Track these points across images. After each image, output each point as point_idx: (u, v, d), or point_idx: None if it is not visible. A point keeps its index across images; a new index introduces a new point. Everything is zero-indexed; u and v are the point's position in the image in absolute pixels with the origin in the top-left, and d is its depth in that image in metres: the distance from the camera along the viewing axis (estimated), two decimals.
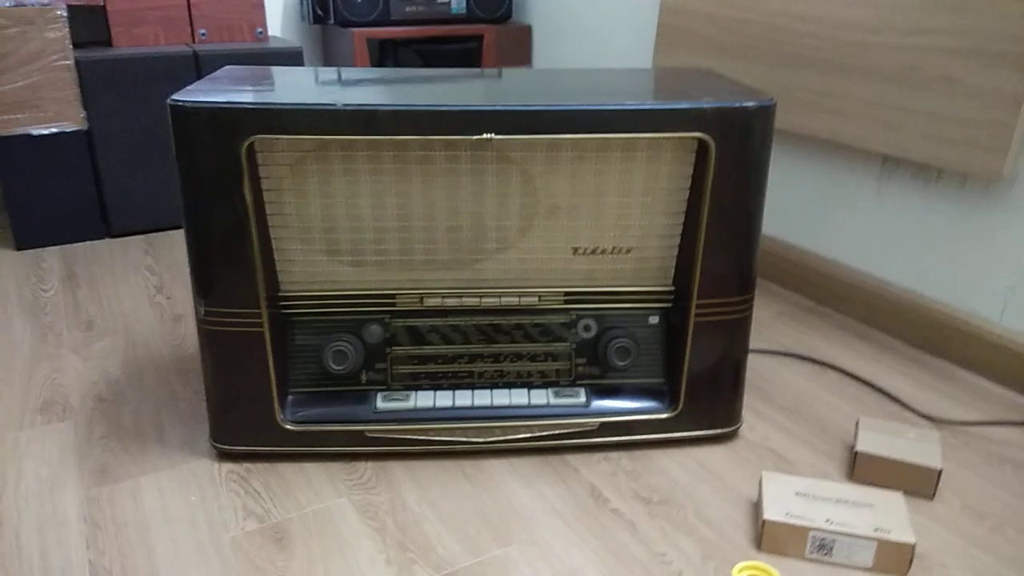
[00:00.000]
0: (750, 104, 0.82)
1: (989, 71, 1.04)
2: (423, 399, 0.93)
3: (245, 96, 0.79)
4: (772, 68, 1.35)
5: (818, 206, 1.37)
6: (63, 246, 1.61)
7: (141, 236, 1.67)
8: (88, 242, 1.63)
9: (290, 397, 0.92)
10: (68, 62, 1.51)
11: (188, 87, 0.84)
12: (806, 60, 1.29)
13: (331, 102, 0.78)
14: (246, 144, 0.78)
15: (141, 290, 1.40)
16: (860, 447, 0.89)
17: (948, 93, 1.10)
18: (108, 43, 1.65)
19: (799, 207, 1.40)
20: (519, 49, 2.08)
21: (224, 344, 0.87)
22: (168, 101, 0.78)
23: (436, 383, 0.94)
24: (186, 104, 0.77)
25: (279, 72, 0.97)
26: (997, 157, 1.05)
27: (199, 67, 1.62)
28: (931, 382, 1.13)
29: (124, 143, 1.60)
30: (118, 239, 1.65)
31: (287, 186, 0.84)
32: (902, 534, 0.76)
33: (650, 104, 0.81)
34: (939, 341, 1.19)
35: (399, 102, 0.79)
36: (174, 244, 1.62)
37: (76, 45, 1.57)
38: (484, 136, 0.80)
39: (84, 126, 1.56)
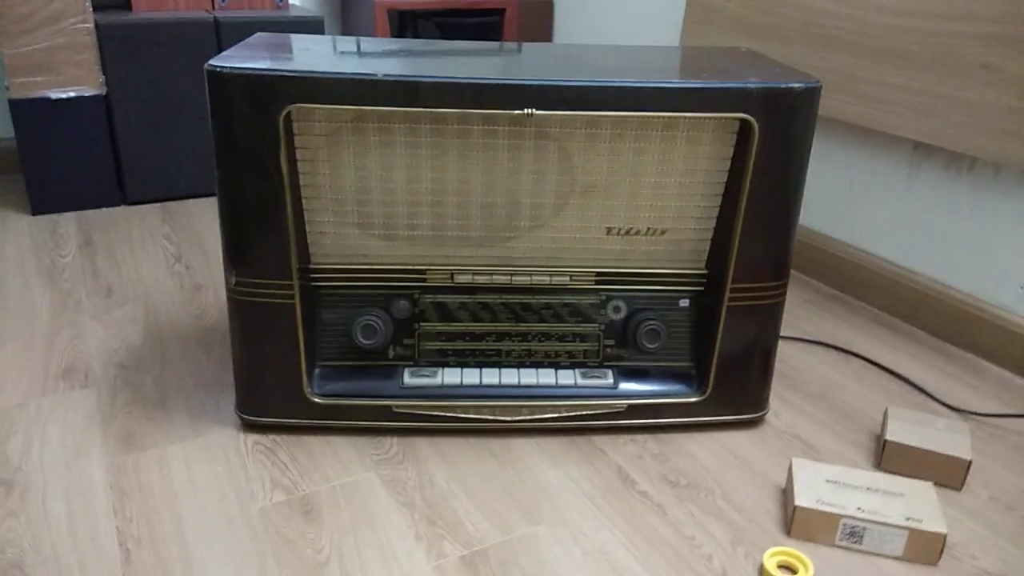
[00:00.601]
0: (797, 85, 0.80)
1: None
2: (450, 376, 0.92)
3: (283, 64, 0.78)
4: (804, 50, 1.33)
5: (846, 192, 1.35)
6: (79, 212, 1.60)
7: (158, 204, 1.65)
8: (104, 208, 1.62)
9: (317, 370, 0.91)
10: (88, 25, 1.49)
11: (224, 53, 0.82)
12: (839, 43, 1.27)
13: (371, 72, 0.77)
14: (284, 113, 0.77)
15: (159, 259, 1.39)
16: (890, 436, 0.88)
17: (985, 80, 1.08)
18: (128, 7, 1.62)
19: (826, 193, 1.39)
20: (541, 24, 2.05)
21: (254, 315, 0.86)
22: (205, 67, 0.77)
23: (463, 360, 0.93)
24: (224, 70, 0.76)
25: (314, 40, 0.95)
26: None
27: (219, 34, 1.60)
28: (957, 373, 1.12)
29: (142, 109, 1.58)
30: (134, 207, 1.64)
31: (322, 157, 0.83)
32: (934, 524, 0.76)
33: (695, 83, 0.80)
34: (965, 333, 1.18)
35: (439, 74, 0.78)
36: (191, 213, 1.61)
37: (96, 8, 1.54)
38: (525, 111, 0.79)
39: (103, 91, 1.55)
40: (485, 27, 2.03)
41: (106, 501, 0.81)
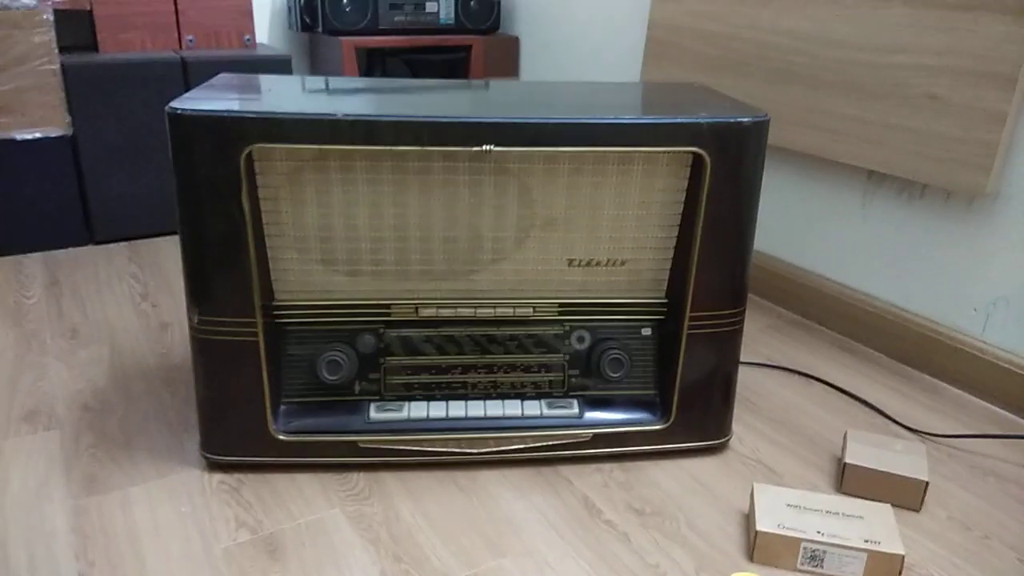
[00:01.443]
0: (745, 119, 0.83)
1: (973, 89, 1.07)
2: (416, 410, 0.93)
3: (244, 104, 0.79)
4: (760, 83, 1.37)
5: (804, 220, 1.39)
6: (46, 252, 1.59)
7: (125, 243, 1.65)
8: (71, 248, 1.61)
9: (282, 407, 0.91)
10: (54, 67, 1.50)
11: (186, 95, 0.83)
12: (793, 76, 1.31)
13: (332, 112, 0.78)
14: (245, 153, 0.78)
15: (126, 298, 1.39)
16: (849, 459, 0.90)
17: (933, 110, 1.12)
18: (94, 48, 1.63)
19: (785, 221, 1.42)
20: (507, 60, 2.09)
21: (217, 353, 0.86)
22: (167, 109, 0.78)
23: (430, 394, 0.94)
24: (185, 112, 0.77)
25: (275, 80, 0.97)
26: (980, 174, 1.08)
27: (186, 74, 1.61)
28: (915, 395, 1.14)
29: (109, 149, 1.58)
30: (102, 246, 1.63)
31: (284, 195, 0.84)
32: (892, 545, 0.77)
33: (647, 118, 0.82)
34: (922, 355, 1.21)
35: (398, 113, 0.80)
36: (159, 251, 1.61)
37: (62, 49, 1.55)
38: (484, 148, 0.80)
39: (69, 131, 1.55)
40: (452, 64, 2.06)
41: (68, 545, 0.81)
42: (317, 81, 0.99)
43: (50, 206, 1.57)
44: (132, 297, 1.39)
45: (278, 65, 1.71)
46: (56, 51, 1.50)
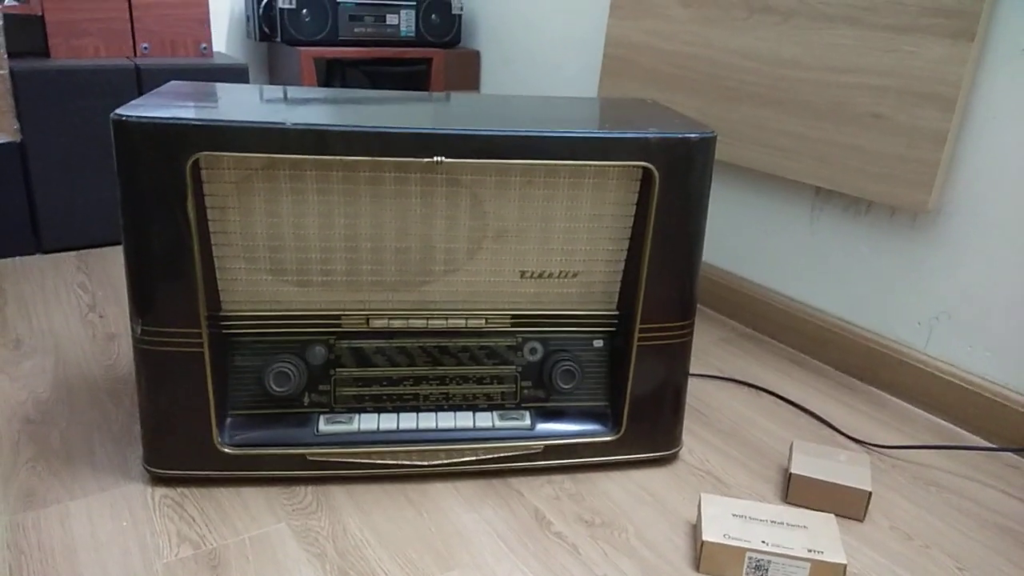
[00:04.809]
0: (692, 135, 0.85)
1: (915, 109, 1.10)
2: (367, 422, 0.92)
3: (190, 112, 0.78)
4: (712, 101, 1.39)
5: (755, 235, 1.41)
6: None
7: (74, 252, 1.61)
8: (18, 257, 1.57)
9: (229, 420, 0.90)
10: (2, 72, 1.47)
11: (132, 102, 0.82)
12: (744, 95, 1.33)
13: (280, 120, 0.78)
14: (191, 161, 0.77)
15: (73, 308, 1.36)
16: (794, 469, 0.91)
17: (876, 129, 1.15)
18: (45, 54, 1.60)
19: (737, 236, 1.45)
20: (467, 74, 2.10)
21: (161, 364, 0.85)
22: (111, 116, 0.77)
23: (380, 406, 0.93)
24: (129, 119, 0.76)
25: (226, 89, 0.96)
26: (922, 191, 1.11)
27: (140, 82, 1.59)
28: (861, 407, 1.17)
29: (59, 157, 1.55)
30: (50, 255, 1.60)
31: (232, 204, 0.83)
32: (834, 555, 0.79)
33: (597, 133, 0.83)
34: (868, 368, 1.23)
35: (349, 123, 0.79)
36: (108, 261, 1.58)
37: (11, 55, 1.52)
38: (434, 159, 0.81)
39: (17, 138, 1.51)
40: (413, 76, 2.06)
41: (2, 561, 0.78)
42: (270, 90, 0.99)
43: None
44: (79, 308, 1.36)
45: (235, 74, 1.69)
46: (5, 56, 1.47)
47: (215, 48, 1.99)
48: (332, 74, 2.02)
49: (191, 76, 1.63)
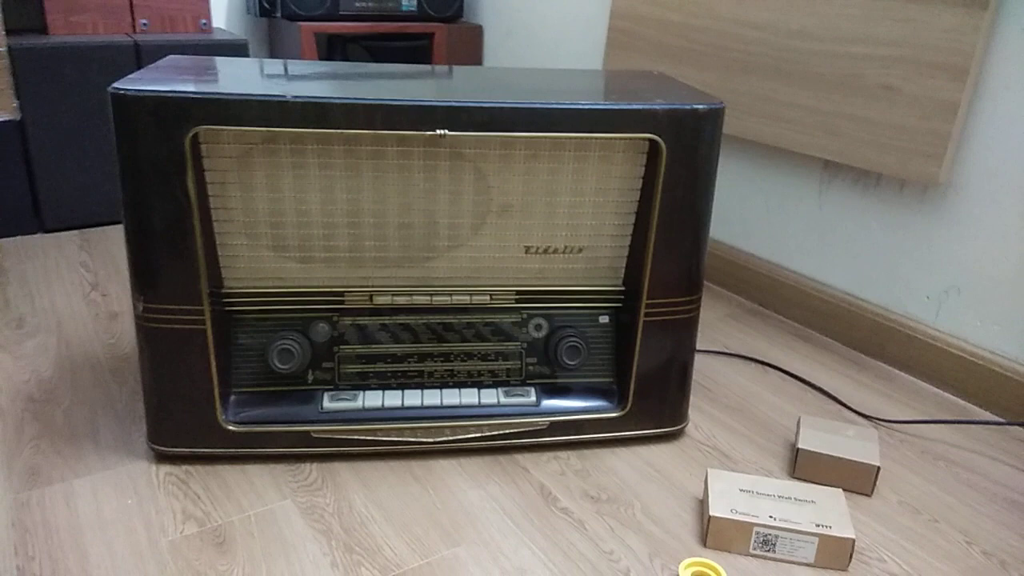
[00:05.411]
0: (700, 107, 0.83)
1: (926, 80, 1.08)
2: (371, 399, 0.92)
3: (190, 85, 0.77)
4: (719, 73, 1.37)
5: (762, 210, 1.40)
6: None
7: (76, 231, 1.61)
8: (20, 237, 1.57)
9: (232, 397, 0.89)
10: (1, 49, 1.45)
11: (130, 75, 0.81)
12: (752, 66, 1.31)
13: (280, 93, 0.76)
14: (190, 135, 0.76)
15: (75, 287, 1.35)
16: (802, 444, 0.91)
17: (887, 101, 1.13)
18: (44, 31, 1.58)
19: (743, 210, 1.43)
20: (470, 49, 2.08)
21: (163, 342, 0.84)
22: (109, 89, 0.75)
23: (385, 382, 0.93)
24: (128, 92, 0.75)
25: (225, 63, 0.94)
26: (933, 163, 1.09)
27: (139, 58, 1.57)
28: (869, 382, 1.16)
29: (59, 135, 1.54)
30: (52, 234, 1.59)
31: (233, 179, 0.82)
32: (842, 529, 0.78)
33: (603, 104, 0.82)
34: (876, 343, 1.22)
35: (351, 95, 0.78)
36: (110, 240, 1.57)
37: (9, 32, 1.50)
38: (437, 132, 0.79)
39: (17, 116, 1.50)
40: (415, 51, 2.04)
41: (7, 539, 0.78)
42: (270, 64, 0.97)
43: None
44: (82, 286, 1.36)
45: (234, 50, 1.67)
46: (3, 33, 1.45)
47: (215, 24, 1.97)
48: (333, 49, 2.00)
49: (190, 52, 1.62)
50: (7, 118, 1.49)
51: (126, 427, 0.96)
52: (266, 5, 1.88)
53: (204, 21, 1.72)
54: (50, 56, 1.49)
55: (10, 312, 1.25)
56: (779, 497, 0.82)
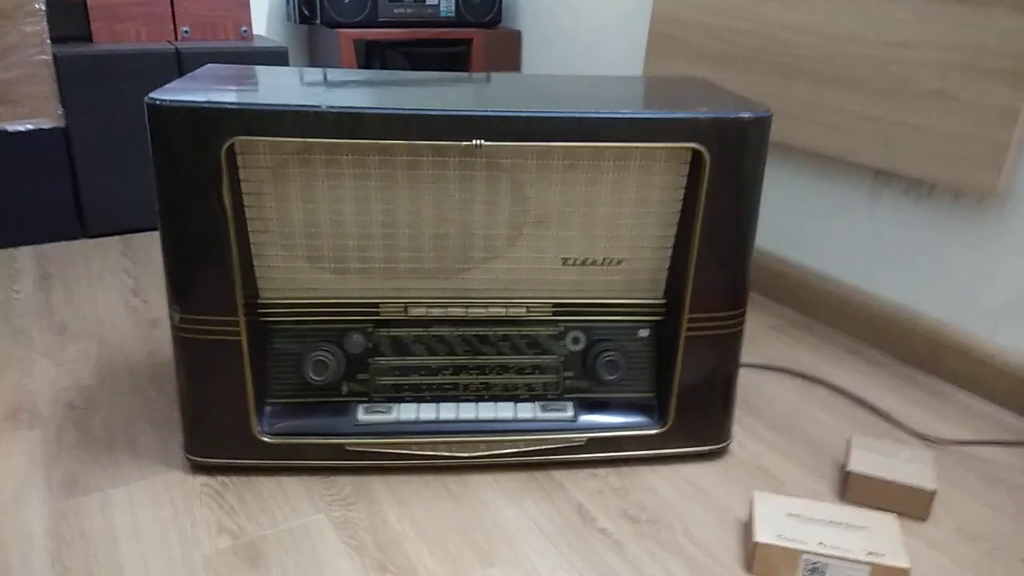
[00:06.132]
0: (746, 115, 0.80)
1: (984, 86, 1.03)
2: (406, 412, 0.90)
3: (226, 96, 0.77)
4: (764, 79, 1.33)
5: (809, 219, 1.35)
6: (38, 246, 1.57)
7: (118, 237, 1.63)
8: (63, 242, 1.59)
9: (267, 408, 0.89)
10: (46, 57, 1.47)
11: (167, 85, 0.81)
12: (799, 71, 1.27)
13: (315, 104, 0.75)
14: (226, 146, 0.75)
15: (117, 293, 1.37)
16: (853, 467, 0.87)
17: (942, 108, 1.09)
18: (88, 39, 1.61)
19: (790, 219, 1.39)
20: (508, 54, 2.06)
21: (199, 352, 0.84)
22: (145, 100, 0.75)
23: (419, 395, 0.91)
24: (164, 103, 0.74)
25: (262, 72, 0.94)
26: (990, 173, 1.04)
27: (181, 65, 1.59)
28: (923, 400, 1.11)
29: (102, 141, 1.56)
30: (95, 240, 1.61)
31: (268, 190, 0.81)
32: (896, 558, 0.74)
33: (644, 113, 0.79)
34: (931, 358, 1.17)
35: (386, 105, 0.77)
36: (152, 246, 1.58)
37: (54, 40, 1.53)
38: (474, 143, 0.77)
39: (62, 123, 1.52)
40: (453, 57, 2.03)
41: (44, 549, 0.78)
42: (307, 73, 0.97)
43: (42, 199, 1.55)
44: (123, 292, 1.37)
45: (275, 57, 1.68)
46: (48, 42, 1.47)
47: (255, 31, 1.98)
48: (372, 56, 2.00)
49: (231, 59, 1.63)
50: (52, 125, 1.52)
51: (164, 436, 0.96)
52: (306, 12, 1.89)
53: (245, 28, 1.73)
54: (93, 64, 1.51)
55: (53, 318, 1.27)
56: (829, 523, 0.78)
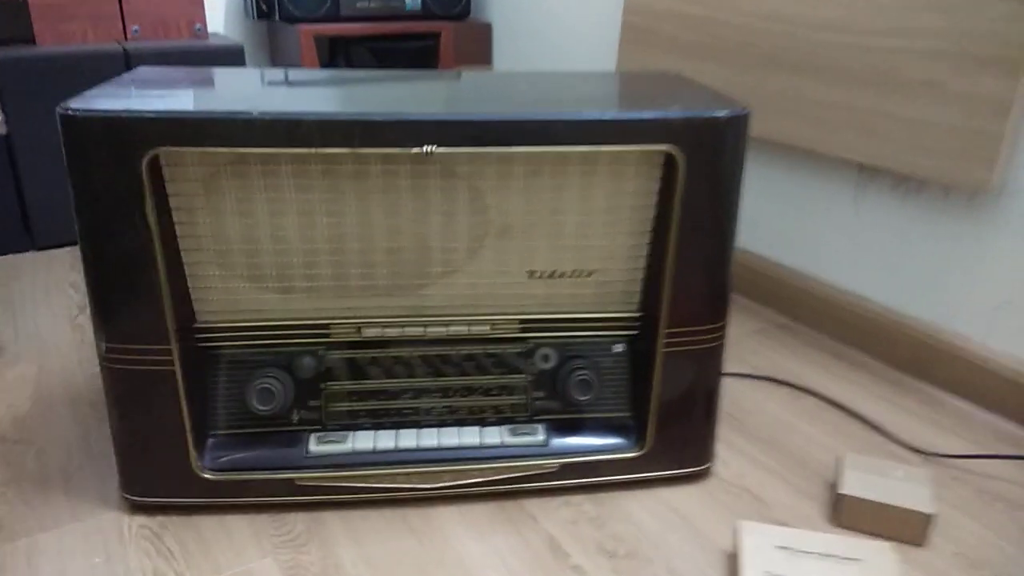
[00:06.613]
0: (721, 114, 0.73)
1: (974, 76, 0.97)
2: (362, 440, 0.83)
3: (147, 103, 0.69)
4: (742, 71, 1.27)
5: (792, 217, 1.29)
6: None
7: (68, 248, 1.54)
8: (10, 255, 1.50)
9: (210, 441, 0.81)
10: None
11: (86, 92, 0.73)
12: (778, 62, 1.21)
13: (246, 110, 0.68)
14: (147, 158, 0.68)
15: (62, 310, 1.28)
16: (845, 489, 0.81)
17: (930, 99, 1.03)
18: (31, 40, 1.52)
19: (772, 218, 1.33)
20: (479, 48, 1.99)
21: (130, 384, 0.76)
22: (57, 109, 0.67)
23: (377, 422, 0.84)
24: (77, 112, 0.67)
25: (199, 74, 0.86)
26: (983, 167, 0.98)
27: (129, 66, 1.50)
28: (914, 408, 1.05)
29: (48, 149, 1.47)
30: (44, 252, 1.53)
31: (200, 204, 0.73)
32: None
33: (611, 114, 0.72)
34: (921, 363, 1.12)
35: (328, 109, 0.69)
36: None
37: None
38: (424, 150, 0.70)
39: (3, 130, 1.43)
40: (422, 52, 1.95)
41: None
42: (249, 74, 0.89)
43: None
44: (69, 309, 1.29)
45: (230, 56, 1.60)
46: None
47: (212, 28, 1.89)
48: (335, 53, 1.92)
49: (183, 59, 1.54)
50: None
51: (102, 472, 0.89)
52: (263, 7, 1.80)
53: (199, 26, 1.64)
54: (36, 67, 1.43)
55: None
56: (821, 555, 0.72)
